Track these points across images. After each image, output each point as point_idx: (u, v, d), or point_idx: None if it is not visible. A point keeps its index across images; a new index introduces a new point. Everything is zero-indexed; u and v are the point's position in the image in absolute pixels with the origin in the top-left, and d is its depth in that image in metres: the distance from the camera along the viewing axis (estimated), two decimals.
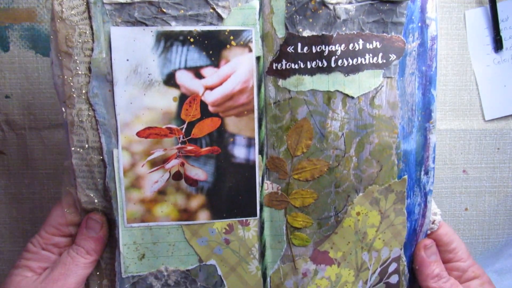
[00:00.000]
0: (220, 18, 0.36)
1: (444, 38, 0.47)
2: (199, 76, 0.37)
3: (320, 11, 0.37)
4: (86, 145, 0.38)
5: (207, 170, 0.39)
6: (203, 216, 0.39)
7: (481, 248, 0.52)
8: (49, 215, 0.40)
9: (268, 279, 0.41)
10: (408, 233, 0.40)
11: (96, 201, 0.39)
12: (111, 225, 0.39)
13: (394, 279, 0.41)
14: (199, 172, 0.39)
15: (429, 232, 0.41)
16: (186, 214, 0.39)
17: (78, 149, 0.38)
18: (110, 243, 0.40)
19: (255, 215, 0.40)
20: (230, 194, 0.39)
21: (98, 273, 0.40)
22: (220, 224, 0.39)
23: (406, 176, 0.39)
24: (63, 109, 0.37)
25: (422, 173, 0.40)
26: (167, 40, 0.36)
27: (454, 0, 0.47)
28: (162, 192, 0.39)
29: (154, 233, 0.39)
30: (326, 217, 0.40)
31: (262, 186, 0.39)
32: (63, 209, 0.39)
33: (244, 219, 0.40)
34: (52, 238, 0.39)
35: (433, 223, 0.40)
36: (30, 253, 0.39)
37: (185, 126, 0.38)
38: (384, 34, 0.37)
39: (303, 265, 0.40)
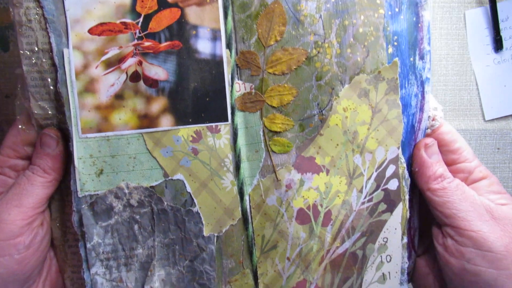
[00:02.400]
0: None
1: (444, 38, 0.45)
2: None
3: None
4: (36, 48, 0.33)
5: (168, 68, 0.33)
6: (166, 122, 0.33)
7: None
8: (6, 137, 0.35)
9: (247, 198, 0.34)
10: (406, 131, 0.32)
11: (50, 113, 0.33)
12: (68, 141, 0.34)
13: (393, 184, 0.33)
14: (159, 71, 0.33)
15: (429, 131, 0.33)
16: (146, 121, 0.33)
17: (27, 53, 0.33)
18: (70, 165, 0.34)
19: (226, 120, 0.33)
20: (196, 96, 0.33)
21: (58, 198, 0.35)
22: (186, 131, 0.33)
23: (397, 59, 0.32)
24: (10, 9, 0.33)
25: (417, 57, 0.32)
26: None
27: (454, 0, 0.45)
28: (119, 97, 0.33)
29: (112, 145, 0.33)
30: (308, 116, 0.33)
31: (232, 86, 0.33)
32: (17, 127, 0.34)
33: (213, 124, 0.33)
34: (8, 160, 0.34)
35: (433, 119, 0.33)
36: None
37: (141, 19, 0.33)
38: None
39: (286, 175, 0.33)
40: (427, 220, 0.34)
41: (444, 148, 0.33)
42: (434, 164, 0.32)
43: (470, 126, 0.46)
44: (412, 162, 0.33)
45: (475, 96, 0.46)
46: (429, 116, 0.33)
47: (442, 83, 0.46)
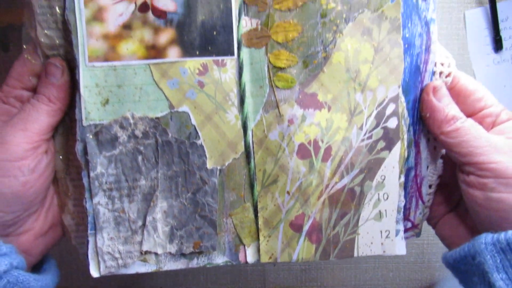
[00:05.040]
0: None
1: (444, 38, 0.44)
2: None
3: None
4: None
5: (177, 0, 0.32)
6: (173, 53, 0.32)
7: None
8: (11, 68, 0.34)
9: (250, 133, 0.33)
10: (410, 71, 0.32)
11: (57, 42, 0.32)
12: (74, 72, 0.33)
13: (392, 122, 0.32)
14: (168, 2, 0.32)
15: (448, 79, 0.32)
16: (154, 51, 0.32)
17: None
18: (75, 98, 0.33)
19: (233, 54, 0.32)
20: (203, 28, 0.32)
21: (62, 131, 0.34)
22: (193, 63, 0.32)
23: None
24: None
25: None
26: None
27: (454, 0, 0.44)
28: (127, 27, 0.32)
29: (119, 74, 0.32)
30: (312, 53, 0.32)
31: (239, 21, 0.32)
32: (24, 57, 0.33)
33: (220, 58, 0.32)
34: (13, 91, 0.32)
35: (448, 66, 0.33)
36: None
37: None
38: None
39: (288, 110, 0.32)
40: (455, 176, 0.33)
41: (469, 99, 0.32)
42: (445, 107, 0.31)
43: None
44: (422, 108, 0.32)
45: None
46: (442, 63, 0.32)
47: None
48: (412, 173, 0.34)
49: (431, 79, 0.33)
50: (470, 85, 0.33)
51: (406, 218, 0.34)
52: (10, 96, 0.32)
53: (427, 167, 0.34)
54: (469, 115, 0.33)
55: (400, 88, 0.32)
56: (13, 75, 0.33)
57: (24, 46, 0.33)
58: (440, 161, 0.34)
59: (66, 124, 0.33)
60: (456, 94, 0.33)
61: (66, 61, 0.32)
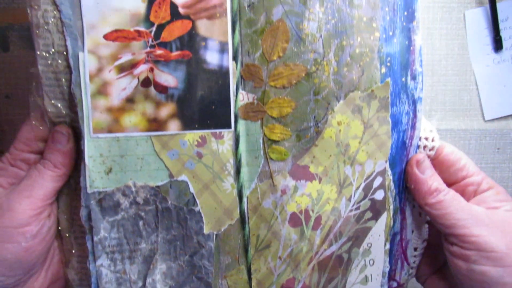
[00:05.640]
0: None
1: (444, 38, 0.44)
2: None
3: None
4: (52, 49, 0.33)
5: (178, 76, 0.34)
6: (174, 126, 0.34)
7: None
8: (19, 131, 0.35)
9: (245, 200, 0.35)
10: (396, 146, 0.34)
11: (63, 112, 0.34)
12: (79, 140, 0.34)
13: (379, 195, 0.34)
14: (169, 78, 0.34)
15: (431, 153, 0.34)
16: (155, 124, 0.34)
17: (43, 54, 0.33)
18: (80, 162, 0.35)
19: (230, 127, 0.34)
20: (203, 103, 0.34)
21: (67, 192, 0.35)
22: (192, 136, 0.34)
23: (389, 79, 0.33)
24: (28, 11, 0.33)
25: (409, 78, 0.33)
26: None
27: (454, 0, 0.44)
28: (130, 100, 0.34)
29: (121, 145, 0.34)
30: (305, 128, 0.34)
31: (236, 96, 0.34)
32: (31, 123, 0.35)
33: (217, 130, 0.34)
34: (20, 154, 0.33)
35: (432, 140, 0.34)
36: None
37: (154, 28, 0.33)
38: None
39: (281, 181, 0.34)
40: (441, 239, 0.34)
41: (452, 168, 0.34)
42: (428, 179, 0.33)
43: (470, 126, 0.45)
44: (407, 179, 0.34)
45: (475, 96, 0.45)
46: (426, 138, 0.34)
47: (442, 83, 0.44)
48: (398, 238, 0.35)
49: (416, 152, 0.34)
50: (453, 155, 0.34)
51: (391, 278, 0.36)
52: (18, 159, 0.34)
53: (412, 231, 0.36)
54: (452, 183, 0.35)
55: (387, 163, 0.33)
56: (21, 139, 0.34)
57: (32, 113, 0.35)
58: (425, 226, 0.36)
59: (71, 186, 0.35)
60: (440, 163, 0.35)
61: (72, 128, 0.34)
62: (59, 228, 0.35)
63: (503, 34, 0.43)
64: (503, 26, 0.43)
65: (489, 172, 0.46)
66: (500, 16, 0.43)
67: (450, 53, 0.45)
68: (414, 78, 0.33)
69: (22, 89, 0.44)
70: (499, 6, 0.42)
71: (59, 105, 0.33)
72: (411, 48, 0.33)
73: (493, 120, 0.45)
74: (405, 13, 0.33)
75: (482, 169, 0.45)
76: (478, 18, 0.43)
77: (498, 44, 0.43)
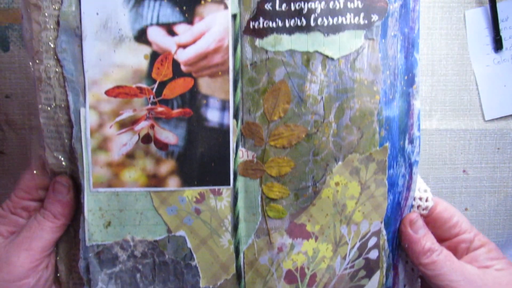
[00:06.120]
0: None
1: (444, 38, 0.44)
2: (172, 33, 0.33)
3: None
4: (53, 104, 0.33)
5: (178, 133, 0.34)
6: (173, 183, 0.34)
7: None
8: (20, 179, 0.35)
9: (242, 255, 0.35)
10: (391, 207, 0.34)
11: (64, 164, 0.34)
12: (80, 191, 0.34)
13: (373, 254, 0.35)
14: (170, 136, 0.34)
15: (425, 212, 0.35)
16: (155, 180, 0.34)
17: (45, 107, 0.33)
18: (80, 211, 0.35)
19: (228, 184, 0.34)
20: (202, 161, 0.34)
21: (66, 239, 0.36)
22: (191, 193, 0.34)
23: (387, 144, 0.33)
24: (30, 64, 0.33)
25: (407, 142, 0.34)
26: None
27: (454, 0, 0.43)
28: (130, 156, 0.34)
29: (121, 200, 0.34)
30: (303, 187, 0.34)
31: (236, 153, 0.34)
32: (32, 172, 0.35)
33: (216, 187, 0.34)
34: (21, 202, 0.33)
35: (426, 200, 0.35)
36: None
37: (156, 86, 0.33)
38: None
39: (278, 239, 0.34)
40: None
41: (445, 226, 0.34)
42: (421, 239, 0.33)
43: (470, 126, 0.45)
44: (401, 238, 0.34)
45: (475, 96, 0.44)
46: (420, 198, 0.35)
47: (442, 83, 0.44)
48: None
49: (410, 211, 0.35)
50: (446, 213, 0.35)
51: None
52: (18, 206, 0.34)
53: (404, 286, 0.36)
54: (445, 239, 0.35)
55: (382, 223, 0.34)
56: (22, 187, 0.34)
57: (33, 161, 0.35)
58: (418, 280, 0.37)
59: (70, 234, 0.35)
60: (433, 221, 0.35)
61: (72, 179, 0.34)
62: (58, 275, 0.35)
63: (503, 34, 0.42)
64: (503, 26, 0.42)
65: (489, 172, 0.46)
66: (500, 16, 0.42)
67: (450, 53, 0.44)
68: (411, 142, 0.33)
69: (22, 89, 0.44)
70: (499, 6, 0.42)
71: (60, 157, 0.33)
72: (410, 112, 0.33)
73: (493, 120, 0.45)
74: (406, 77, 0.33)
75: (482, 169, 0.46)
76: (478, 18, 0.43)
77: (498, 44, 0.42)
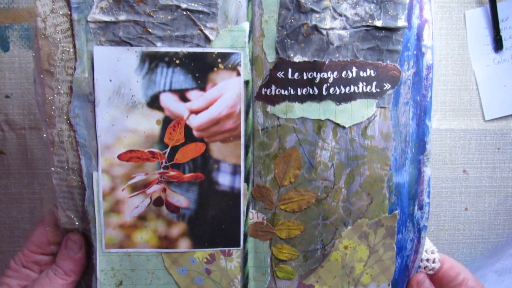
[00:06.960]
0: (207, 40, 0.32)
1: (444, 38, 0.43)
2: (184, 99, 0.33)
3: (313, 36, 0.32)
4: (66, 166, 0.33)
5: (190, 197, 0.34)
6: (184, 245, 0.34)
7: (481, 248, 0.47)
8: (32, 233, 0.35)
9: None
10: (400, 269, 0.35)
11: (76, 222, 0.34)
12: (91, 247, 0.35)
13: None
14: (181, 199, 0.34)
15: (431, 272, 0.35)
16: (166, 242, 0.34)
17: (58, 169, 0.33)
18: (91, 265, 0.35)
19: (239, 246, 0.35)
20: (213, 223, 0.34)
21: None
22: (202, 254, 0.34)
23: (397, 212, 0.34)
24: (43, 128, 0.33)
25: (416, 208, 0.34)
26: (152, 61, 0.32)
27: (454, 0, 0.43)
28: (142, 218, 0.34)
29: (132, 260, 0.34)
30: (312, 249, 0.35)
31: (246, 216, 0.34)
32: (45, 227, 0.35)
33: (226, 249, 0.35)
34: (33, 256, 0.34)
35: (433, 262, 0.35)
36: (11, 270, 0.35)
37: (168, 150, 0.33)
38: (379, 62, 0.32)
39: None
40: None
41: (451, 283, 0.34)
42: None
43: (470, 126, 0.44)
44: None
45: (475, 96, 0.44)
46: (427, 259, 0.35)
47: (442, 83, 0.44)
48: None
49: (417, 271, 0.35)
50: (452, 271, 0.35)
51: None
52: (30, 261, 0.34)
53: None
54: None
55: (390, 286, 0.34)
56: (34, 242, 0.35)
57: (45, 216, 0.35)
58: None
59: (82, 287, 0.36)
60: (439, 279, 0.35)
61: (84, 237, 0.34)
62: None
63: (503, 34, 0.42)
64: (503, 26, 0.42)
65: (489, 172, 0.46)
66: (500, 16, 0.42)
67: (450, 53, 0.44)
68: (421, 208, 0.33)
69: (22, 89, 0.44)
70: (499, 6, 0.42)
71: (72, 216, 0.33)
72: (421, 179, 0.33)
73: (493, 120, 0.44)
74: (417, 145, 0.33)
75: (482, 169, 0.46)
76: (478, 18, 0.43)
77: (498, 44, 0.42)
